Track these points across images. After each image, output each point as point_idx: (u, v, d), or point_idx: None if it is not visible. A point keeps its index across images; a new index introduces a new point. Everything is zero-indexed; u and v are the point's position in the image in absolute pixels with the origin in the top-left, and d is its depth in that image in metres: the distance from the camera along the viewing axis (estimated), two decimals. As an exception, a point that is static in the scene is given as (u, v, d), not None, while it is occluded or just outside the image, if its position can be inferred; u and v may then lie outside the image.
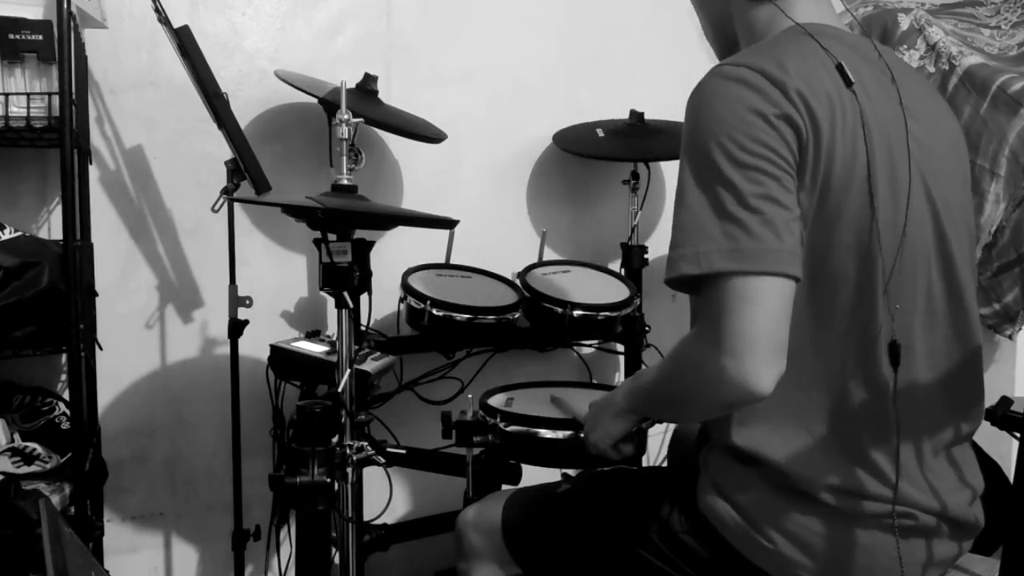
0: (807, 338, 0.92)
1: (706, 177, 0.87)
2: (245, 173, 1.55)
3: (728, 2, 1.06)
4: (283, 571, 1.86)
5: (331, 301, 1.43)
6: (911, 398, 0.93)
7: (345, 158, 1.43)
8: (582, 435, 1.22)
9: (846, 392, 0.93)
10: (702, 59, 1.17)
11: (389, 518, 1.85)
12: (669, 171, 2.37)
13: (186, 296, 1.87)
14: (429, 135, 1.89)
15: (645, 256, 2.13)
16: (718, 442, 1.01)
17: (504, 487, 1.47)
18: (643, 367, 1.04)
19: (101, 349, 1.72)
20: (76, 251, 1.41)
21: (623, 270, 2.14)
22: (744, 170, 0.85)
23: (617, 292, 1.97)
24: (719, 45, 1.14)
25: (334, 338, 1.57)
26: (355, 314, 1.53)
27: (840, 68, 0.91)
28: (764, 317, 0.83)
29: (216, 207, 1.61)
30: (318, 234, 1.36)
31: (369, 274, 1.44)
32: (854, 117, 0.90)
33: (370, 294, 1.48)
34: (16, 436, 1.54)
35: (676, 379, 0.96)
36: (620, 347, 2.28)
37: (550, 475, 1.35)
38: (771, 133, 0.86)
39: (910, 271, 0.93)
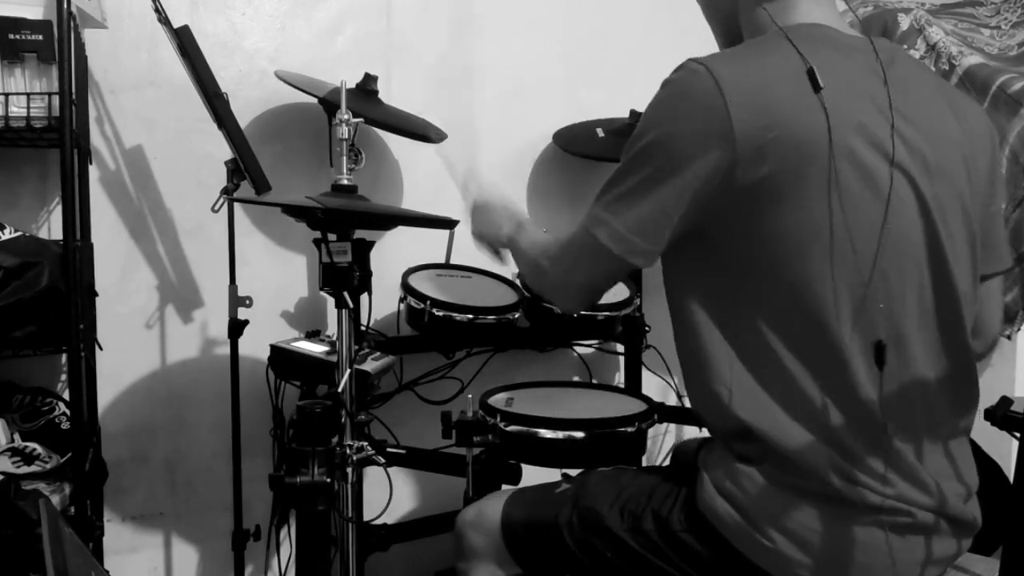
0: (799, 341, 0.93)
1: (630, 159, 0.97)
2: (245, 173, 1.55)
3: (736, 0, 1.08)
4: (283, 571, 1.86)
5: (331, 301, 1.43)
6: (906, 395, 0.94)
7: (345, 158, 1.43)
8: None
9: (841, 391, 0.93)
10: (702, 59, 1.17)
11: (389, 518, 1.85)
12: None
13: (186, 296, 1.87)
14: (429, 135, 1.89)
15: (645, 256, 2.13)
16: (716, 428, 1.02)
17: (504, 487, 1.47)
18: (539, 244, 1.22)
19: (101, 349, 1.72)
20: (76, 251, 1.41)
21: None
22: (650, 162, 0.95)
23: (617, 292, 1.98)
24: (722, 37, 1.16)
25: (334, 338, 1.57)
26: (355, 314, 1.53)
27: (810, 73, 0.92)
28: (595, 276, 1.08)
29: (216, 207, 1.62)
30: (318, 234, 1.36)
31: (369, 274, 1.45)
32: (817, 121, 0.90)
33: (370, 294, 1.48)
34: (16, 436, 1.54)
35: (528, 270, 1.22)
36: (620, 347, 2.28)
37: (550, 475, 1.35)
38: (697, 142, 0.91)
39: (897, 271, 0.94)
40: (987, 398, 1.09)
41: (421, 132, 1.88)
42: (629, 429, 1.49)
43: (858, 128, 0.93)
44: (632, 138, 0.98)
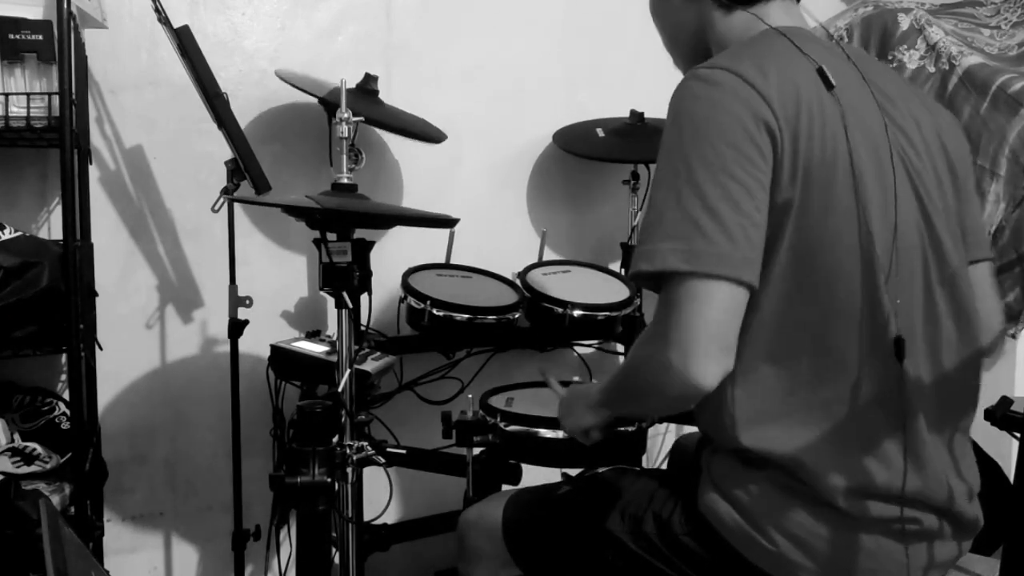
0: (812, 336, 0.92)
1: (674, 178, 0.89)
2: (245, 173, 1.55)
3: (701, 13, 1.07)
4: (283, 571, 1.86)
5: (331, 301, 1.43)
6: (917, 389, 0.94)
7: (345, 158, 1.43)
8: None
9: (857, 385, 0.93)
10: (702, 59, 1.18)
11: (389, 518, 1.85)
12: (669, 171, 2.36)
13: (186, 296, 1.87)
14: (429, 135, 1.89)
15: (645, 256, 2.13)
16: (722, 445, 1.01)
17: (504, 487, 1.47)
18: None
19: (101, 349, 1.72)
20: (76, 251, 1.41)
21: (623, 270, 2.13)
22: (712, 172, 0.87)
23: (617, 292, 1.98)
24: (686, 56, 1.14)
25: (334, 338, 1.57)
26: (355, 314, 1.53)
27: (821, 71, 0.93)
28: (710, 316, 0.86)
29: (216, 207, 1.62)
30: (318, 234, 1.36)
31: (369, 274, 1.45)
32: (835, 118, 0.91)
33: (370, 294, 1.48)
34: (16, 436, 1.54)
35: (631, 373, 1.00)
36: (620, 347, 2.28)
37: (550, 475, 1.35)
38: (744, 138, 0.88)
39: (906, 264, 0.94)
40: (987, 398, 1.09)
41: (421, 132, 1.88)
42: (629, 429, 1.49)
43: (865, 124, 0.93)
44: (667, 163, 0.91)
